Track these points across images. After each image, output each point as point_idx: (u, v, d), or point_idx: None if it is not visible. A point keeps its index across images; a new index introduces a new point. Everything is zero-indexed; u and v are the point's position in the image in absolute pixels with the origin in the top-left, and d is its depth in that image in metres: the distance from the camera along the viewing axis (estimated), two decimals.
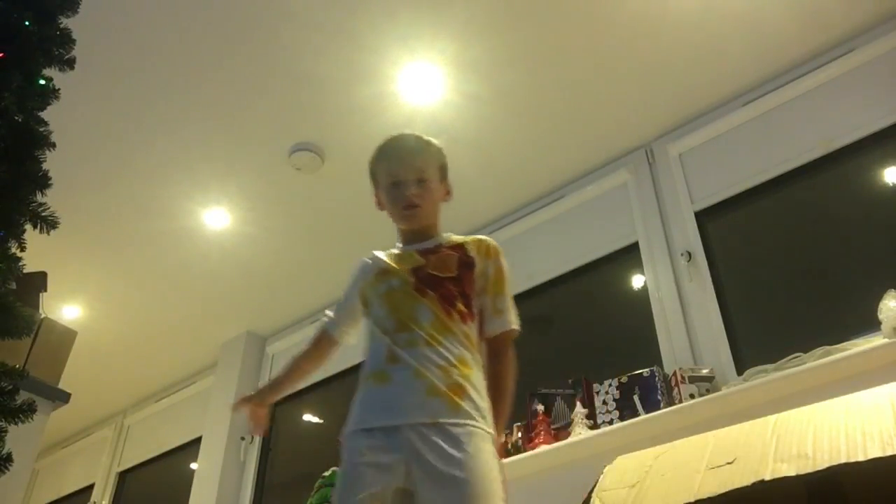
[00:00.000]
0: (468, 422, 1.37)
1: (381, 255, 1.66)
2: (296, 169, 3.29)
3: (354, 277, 1.69)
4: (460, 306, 1.53)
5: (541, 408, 2.81)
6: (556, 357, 3.26)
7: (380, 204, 1.69)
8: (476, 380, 1.46)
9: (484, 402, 1.43)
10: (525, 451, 2.75)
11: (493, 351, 1.59)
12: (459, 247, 1.63)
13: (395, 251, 1.65)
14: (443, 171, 1.68)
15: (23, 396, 1.74)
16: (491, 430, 1.41)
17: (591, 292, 3.32)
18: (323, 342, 1.74)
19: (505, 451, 2.84)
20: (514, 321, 1.61)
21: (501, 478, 1.36)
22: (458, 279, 1.56)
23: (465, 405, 1.38)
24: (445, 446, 1.32)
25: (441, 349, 1.45)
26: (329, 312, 1.74)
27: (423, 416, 1.36)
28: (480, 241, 1.66)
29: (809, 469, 1.35)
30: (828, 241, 2.72)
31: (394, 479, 1.32)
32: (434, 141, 1.69)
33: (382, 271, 1.60)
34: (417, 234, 1.65)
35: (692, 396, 2.44)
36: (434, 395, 1.38)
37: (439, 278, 1.55)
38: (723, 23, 2.78)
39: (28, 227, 1.78)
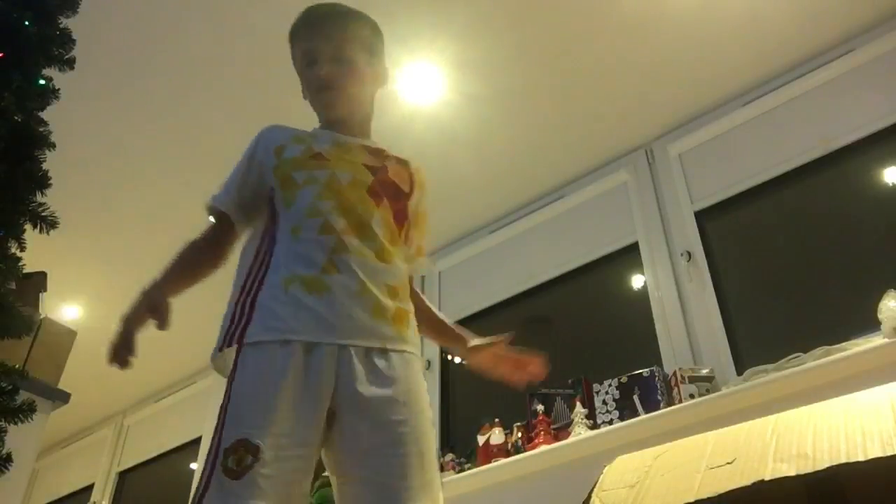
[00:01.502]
0: (412, 350, 1.25)
1: (299, 132, 1.39)
2: None
3: (262, 153, 1.35)
4: (406, 227, 1.36)
5: (541, 408, 2.81)
6: (556, 357, 3.25)
7: (304, 92, 1.45)
8: (412, 310, 1.32)
9: (418, 336, 1.31)
10: (525, 451, 2.75)
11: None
12: (406, 164, 1.42)
13: (332, 135, 1.39)
14: (372, 49, 1.44)
15: (23, 396, 1.75)
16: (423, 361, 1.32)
17: (591, 292, 3.32)
18: (225, 240, 1.38)
19: (505, 451, 2.84)
20: (427, 266, 1.49)
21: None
22: (409, 198, 1.38)
23: (408, 333, 1.26)
24: (380, 366, 1.18)
25: (391, 267, 1.27)
26: (225, 200, 1.37)
27: (368, 338, 1.19)
28: (420, 168, 1.45)
29: (809, 469, 1.35)
30: (828, 241, 2.72)
31: (320, 402, 1.14)
32: (361, 12, 1.45)
33: (317, 154, 1.33)
34: (351, 126, 1.41)
35: (692, 396, 2.44)
36: (380, 318, 1.21)
37: (399, 190, 1.36)
38: (723, 22, 2.78)
39: (28, 227, 1.78)
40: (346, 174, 1.31)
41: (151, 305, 1.26)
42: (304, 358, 1.15)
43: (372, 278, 1.23)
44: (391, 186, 1.35)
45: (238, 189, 1.37)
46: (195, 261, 1.39)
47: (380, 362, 1.19)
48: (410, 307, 1.31)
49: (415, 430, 1.17)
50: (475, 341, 1.43)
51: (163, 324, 1.25)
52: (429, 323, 1.46)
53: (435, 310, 1.51)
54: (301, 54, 1.42)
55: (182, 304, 4.43)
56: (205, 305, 4.56)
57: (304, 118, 1.48)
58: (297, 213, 1.27)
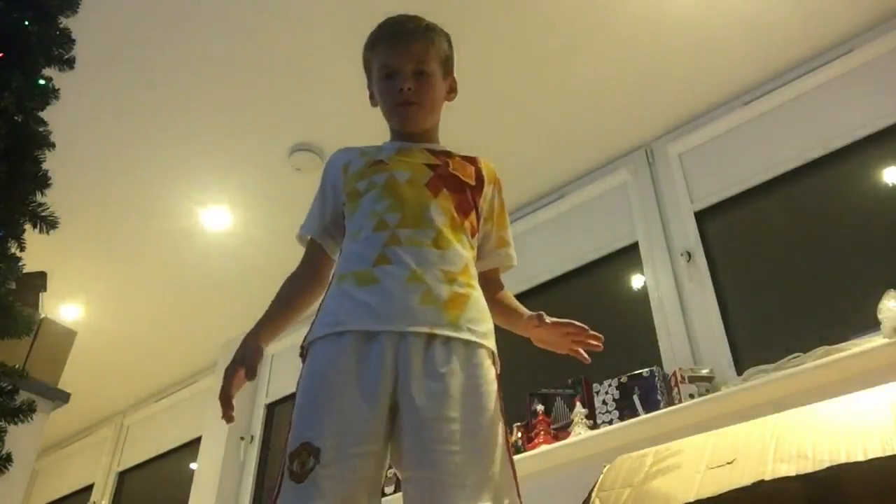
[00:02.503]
0: (466, 336, 1.21)
1: (366, 147, 1.46)
2: (296, 169, 3.29)
3: (333, 174, 1.44)
4: (473, 218, 1.37)
5: (541, 408, 2.81)
6: (556, 357, 3.25)
7: (372, 98, 1.49)
8: (479, 296, 1.31)
9: (486, 322, 1.28)
10: (525, 451, 2.74)
11: (490, 281, 1.46)
12: (473, 160, 1.46)
13: (397, 144, 1.44)
14: (447, 63, 1.47)
15: (23, 396, 1.75)
16: (493, 349, 1.26)
17: (591, 292, 3.32)
18: (320, 264, 1.44)
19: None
20: (515, 257, 1.51)
21: (498, 398, 1.22)
22: (476, 191, 1.40)
23: (464, 319, 1.23)
24: (437, 359, 1.17)
25: (449, 253, 1.28)
26: (310, 227, 1.45)
27: (414, 324, 1.18)
28: (489, 164, 1.48)
29: (809, 469, 1.35)
30: (828, 241, 2.72)
31: (380, 395, 1.15)
32: (438, 26, 1.46)
33: (377, 162, 1.39)
34: (419, 135, 1.46)
35: (692, 396, 2.44)
36: (430, 303, 1.21)
37: (461, 182, 1.38)
38: (723, 23, 2.78)
39: (28, 227, 1.78)
40: (405, 173, 1.36)
41: (243, 357, 1.31)
42: (360, 348, 1.18)
43: (425, 266, 1.25)
44: (452, 179, 1.38)
45: (319, 214, 1.44)
46: (293, 292, 1.42)
47: (439, 354, 1.18)
48: (471, 291, 1.28)
49: (470, 426, 1.14)
50: (543, 318, 1.44)
51: (249, 376, 1.30)
52: (501, 310, 1.47)
53: (512, 301, 1.52)
54: (379, 66, 1.43)
55: (182, 305, 4.45)
56: (204, 306, 4.57)
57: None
58: (358, 219, 1.33)
